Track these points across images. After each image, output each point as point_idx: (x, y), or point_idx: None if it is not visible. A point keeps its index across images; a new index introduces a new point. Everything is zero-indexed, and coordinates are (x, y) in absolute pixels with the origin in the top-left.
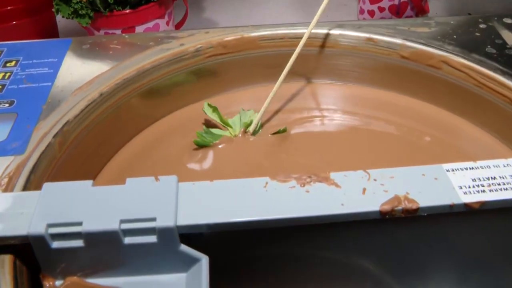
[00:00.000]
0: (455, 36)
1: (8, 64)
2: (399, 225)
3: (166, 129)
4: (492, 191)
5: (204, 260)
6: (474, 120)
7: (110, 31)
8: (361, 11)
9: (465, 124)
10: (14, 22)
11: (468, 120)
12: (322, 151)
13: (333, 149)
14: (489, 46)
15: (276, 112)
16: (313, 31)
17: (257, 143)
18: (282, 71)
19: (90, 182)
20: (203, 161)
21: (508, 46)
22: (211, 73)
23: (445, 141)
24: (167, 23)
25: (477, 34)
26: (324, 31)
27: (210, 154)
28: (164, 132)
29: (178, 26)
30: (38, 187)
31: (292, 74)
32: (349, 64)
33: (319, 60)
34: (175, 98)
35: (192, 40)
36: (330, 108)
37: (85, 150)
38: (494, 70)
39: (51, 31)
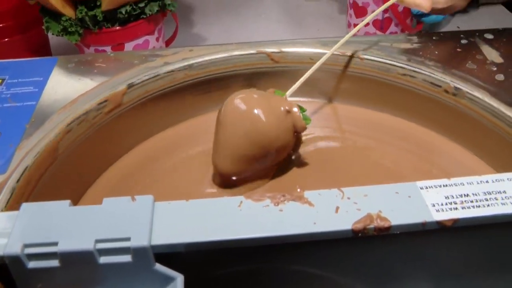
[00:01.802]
0: (436, 52)
1: None
2: (375, 242)
3: (151, 148)
4: (465, 208)
5: (180, 279)
6: (454, 137)
7: (100, 48)
8: (349, 25)
9: (445, 142)
10: (6, 39)
11: (451, 139)
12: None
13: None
14: (470, 62)
15: None
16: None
17: None
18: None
19: (67, 202)
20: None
21: (488, 62)
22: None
23: (427, 158)
24: (157, 39)
25: (459, 49)
26: (311, 50)
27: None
28: (151, 151)
29: (168, 42)
30: (19, 206)
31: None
32: (330, 82)
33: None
34: (159, 117)
35: (175, 58)
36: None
37: (68, 170)
38: (473, 86)
39: (43, 47)
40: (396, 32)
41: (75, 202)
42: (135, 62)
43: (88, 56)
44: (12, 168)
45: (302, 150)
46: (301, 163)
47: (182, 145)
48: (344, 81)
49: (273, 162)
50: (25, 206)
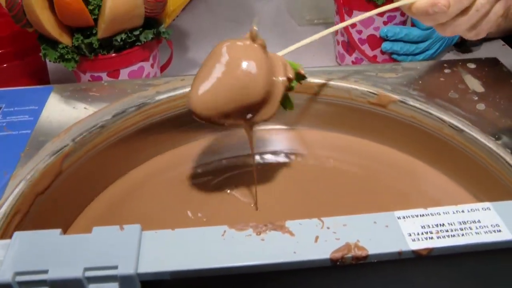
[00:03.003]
0: (420, 82)
1: None
2: (353, 271)
3: (143, 176)
4: (440, 237)
5: None
6: (436, 165)
7: (96, 74)
8: (341, 57)
9: (425, 168)
10: (4, 65)
11: (430, 165)
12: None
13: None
14: (452, 91)
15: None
16: None
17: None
18: None
19: (58, 231)
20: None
21: (470, 91)
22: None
23: (408, 184)
24: (152, 66)
25: (442, 79)
26: None
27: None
28: (141, 179)
29: (163, 68)
30: (11, 234)
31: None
32: (317, 110)
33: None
34: (150, 146)
35: (167, 88)
36: (300, 153)
37: (61, 197)
38: (454, 115)
39: (41, 72)
40: (361, 59)
41: (65, 228)
42: (128, 91)
43: (82, 85)
44: (6, 196)
45: (286, 174)
46: (283, 186)
47: (169, 173)
48: (328, 107)
49: (248, 108)
50: (17, 234)
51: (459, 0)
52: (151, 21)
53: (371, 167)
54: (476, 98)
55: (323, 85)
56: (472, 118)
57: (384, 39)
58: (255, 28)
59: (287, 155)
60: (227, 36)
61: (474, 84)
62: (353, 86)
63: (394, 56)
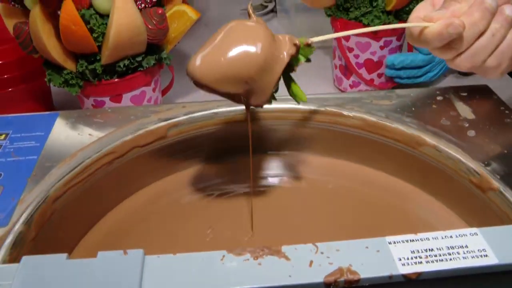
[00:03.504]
0: (413, 108)
1: None
2: None
3: (144, 200)
4: (429, 262)
5: None
6: (428, 190)
7: (99, 99)
8: (338, 81)
9: (418, 193)
10: (10, 89)
11: (424, 190)
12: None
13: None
14: (444, 118)
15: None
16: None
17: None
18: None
19: (65, 255)
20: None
21: (461, 118)
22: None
23: (401, 208)
24: (154, 90)
25: (434, 106)
26: (290, 105)
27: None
28: (143, 203)
29: (164, 92)
30: (20, 259)
31: (259, 146)
32: (312, 135)
33: (283, 131)
34: (151, 171)
35: (169, 114)
36: (296, 176)
37: (66, 222)
38: (446, 142)
39: (45, 96)
40: (358, 83)
41: (70, 250)
42: (131, 118)
43: (87, 112)
44: (14, 221)
45: (283, 197)
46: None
47: (169, 197)
48: (324, 134)
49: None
50: (26, 259)
51: (474, 23)
52: (153, 47)
53: (365, 191)
54: (467, 125)
55: (320, 112)
56: (463, 145)
57: (390, 67)
58: (251, 4)
59: (284, 178)
60: None
61: (465, 111)
62: (348, 113)
63: (397, 80)
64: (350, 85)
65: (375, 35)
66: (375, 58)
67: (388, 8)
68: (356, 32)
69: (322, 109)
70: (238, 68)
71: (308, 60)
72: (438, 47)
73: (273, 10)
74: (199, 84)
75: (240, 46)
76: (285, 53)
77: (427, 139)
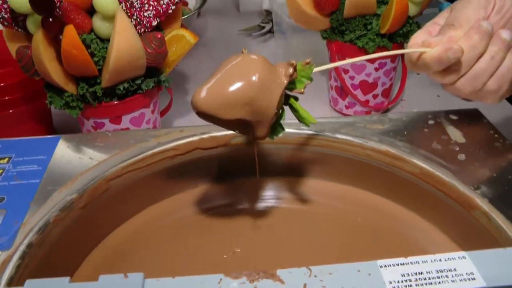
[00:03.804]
0: (405, 132)
1: (1, 161)
2: None
3: (144, 222)
4: (418, 285)
5: None
6: (421, 212)
7: (99, 120)
8: (334, 102)
9: (412, 216)
10: (11, 110)
11: (416, 212)
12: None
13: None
14: (435, 142)
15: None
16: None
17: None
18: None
19: (67, 279)
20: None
21: (452, 142)
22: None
23: (393, 230)
24: (152, 112)
25: (426, 130)
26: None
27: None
28: (142, 225)
29: (163, 113)
30: (23, 282)
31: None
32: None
33: (280, 156)
34: (149, 194)
35: (167, 139)
36: (296, 198)
37: (68, 244)
38: (437, 166)
39: (46, 117)
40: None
41: (72, 273)
42: (131, 142)
43: (88, 135)
44: (17, 245)
45: (283, 219)
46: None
47: (168, 219)
48: (318, 158)
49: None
50: (29, 282)
51: (473, 45)
52: (152, 70)
53: (359, 214)
54: (458, 148)
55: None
56: (453, 169)
57: None
58: (245, 49)
59: (284, 201)
60: None
61: (456, 135)
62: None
63: None
64: (345, 106)
65: (357, 61)
66: (370, 80)
67: (383, 31)
68: (357, 60)
69: (330, 135)
70: (238, 92)
71: (310, 79)
72: (437, 71)
73: (270, 31)
74: (205, 115)
75: (239, 73)
76: (283, 74)
77: (417, 163)
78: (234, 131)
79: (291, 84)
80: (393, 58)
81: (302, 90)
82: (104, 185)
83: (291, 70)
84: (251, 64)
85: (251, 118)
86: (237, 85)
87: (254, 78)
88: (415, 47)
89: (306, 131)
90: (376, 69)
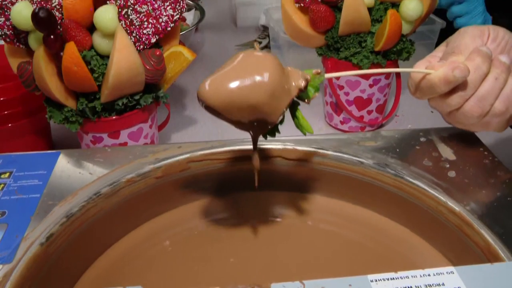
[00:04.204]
0: (398, 150)
1: (2, 176)
2: None
3: (142, 237)
4: None
5: None
6: (412, 227)
7: (97, 135)
8: (329, 117)
9: (403, 231)
10: (10, 124)
11: (411, 229)
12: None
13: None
14: (426, 159)
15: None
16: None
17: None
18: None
19: None
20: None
21: (442, 159)
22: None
23: (388, 247)
24: (150, 126)
25: (417, 147)
26: (280, 146)
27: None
28: (141, 239)
29: (161, 127)
30: None
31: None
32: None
33: (273, 172)
34: (149, 208)
35: (166, 154)
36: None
37: (68, 258)
38: (428, 182)
39: (45, 130)
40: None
41: (73, 285)
42: (130, 157)
43: (87, 151)
44: (18, 258)
45: (282, 234)
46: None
47: (167, 233)
48: (316, 175)
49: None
50: None
51: (477, 66)
52: (151, 86)
53: (354, 229)
54: (448, 165)
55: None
56: (443, 185)
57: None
58: (256, 41)
59: (284, 216)
60: None
61: (447, 152)
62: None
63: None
64: (340, 121)
65: (364, 74)
66: (364, 96)
67: (377, 49)
68: (366, 73)
69: (328, 152)
70: (246, 93)
71: (318, 90)
72: (443, 92)
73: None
74: (208, 108)
75: (250, 73)
76: (293, 85)
77: (410, 180)
78: (235, 126)
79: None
80: (387, 75)
81: (309, 102)
82: (104, 200)
83: (303, 84)
84: (264, 66)
85: (252, 118)
86: (247, 87)
87: (265, 83)
88: (416, 78)
89: (305, 148)
90: (371, 86)
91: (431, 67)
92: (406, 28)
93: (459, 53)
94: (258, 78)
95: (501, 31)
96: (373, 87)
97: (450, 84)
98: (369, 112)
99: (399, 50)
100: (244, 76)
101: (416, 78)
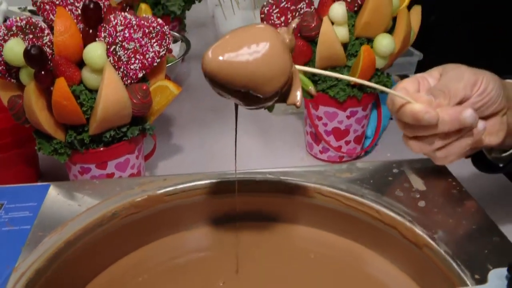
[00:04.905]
0: (371, 181)
1: None
2: None
3: (132, 264)
4: None
5: None
6: (385, 254)
7: (85, 166)
8: (310, 147)
9: (375, 256)
10: (1, 155)
11: (380, 254)
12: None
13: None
14: (398, 190)
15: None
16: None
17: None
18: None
19: None
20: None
21: (413, 189)
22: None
23: (359, 271)
24: (137, 157)
25: (390, 178)
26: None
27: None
28: (131, 266)
29: (147, 158)
30: None
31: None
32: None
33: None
34: (135, 237)
35: (152, 187)
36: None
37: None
38: (399, 212)
39: (32, 160)
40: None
41: None
42: (117, 190)
43: (76, 183)
44: None
45: (265, 264)
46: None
47: (157, 259)
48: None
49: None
50: None
51: (442, 122)
52: (137, 119)
53: (328, 254)
54: (418, 196)
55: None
56: (413, 214)
57: None
58: (293, 26)
59: (270, 245)
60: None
61: (418, 183)
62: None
63: None
64: (320, 151)
65: (341, 106)
66: (342, 127)
67: (352, 82)
68: (348, 79)
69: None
70: (247, 58)
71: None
72: (409, 122)
73: None
74: (211, 75)
75: (252, 40)
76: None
77: (381, 209)
78: (232, 97)
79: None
80: (364, 106)
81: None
82: (93, 231)
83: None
84: (266, 35)
85: (251, 86)
86: (249, 51)
87: (267, 49)
88: (403, 92)
89: (288, 180)
90: (348, 117)
91: (416, 97)
92: (380, 63)
93: (447, 97)
94: (259, 44)
95: (491, 84)
96: (351, 119)
97: (416, 121)
98: (347, 143)
99: (375, 83)
100: (246, 43)
101: (397, 98)
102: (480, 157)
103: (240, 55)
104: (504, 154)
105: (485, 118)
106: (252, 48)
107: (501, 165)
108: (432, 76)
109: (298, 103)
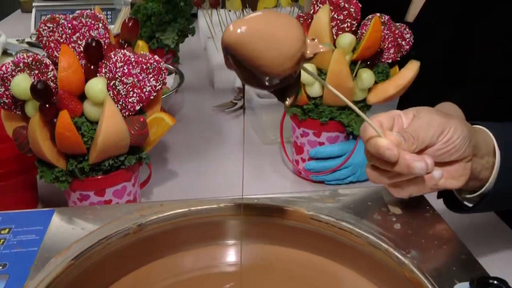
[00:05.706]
0: (352, 206)
1: (2, 232)
2: None
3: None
4: None
5: None
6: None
7: (84, 193)
8: (296, 162)
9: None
10: (3, 183)
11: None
12: None
13: None
14: (376, 214)
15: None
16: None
17: None
18: None
19: None
20: None
21: (390, 213)
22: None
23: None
24: (133, 185)
25: (369, 203)
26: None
27: None
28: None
29: (142, 185)
30: None
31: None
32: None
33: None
34: (136, 258)
35: (149, 212)
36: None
37: None
38: (376, 234)
39: (33, 187)
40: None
41: None
42: (117, 215)
43: (79, 209)
44: None
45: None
46: None
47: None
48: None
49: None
50: None
51: (406, 167)
52: (134, 148)
53: (312, 276)
54: (394, 219)
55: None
56: (389, 236)
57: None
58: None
59: (256, 265)
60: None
61: (394, 207)
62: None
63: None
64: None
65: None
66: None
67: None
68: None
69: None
70: (267, 51)
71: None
72: (370, 152)
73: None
74: (230, 48)
75: (275, 18)
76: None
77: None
78: (243, 77)
79: None
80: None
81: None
82: (95, 253)
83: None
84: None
85: (263, 63)
86: (270, 44)
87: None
88: (377, 124)
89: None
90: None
91: (385, 134)
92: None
93: (415, 143)
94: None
95: (457, 133)
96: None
97: (377, 155)
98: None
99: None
100: (269, 20)
101: (369, 127)
102: (451, 197)
103: (261, 28)
104: (472, 195)
105: (448, 163)
106: (273, 24)
107: (470, 205)
108: (407, 116)
109: (289, 103)
